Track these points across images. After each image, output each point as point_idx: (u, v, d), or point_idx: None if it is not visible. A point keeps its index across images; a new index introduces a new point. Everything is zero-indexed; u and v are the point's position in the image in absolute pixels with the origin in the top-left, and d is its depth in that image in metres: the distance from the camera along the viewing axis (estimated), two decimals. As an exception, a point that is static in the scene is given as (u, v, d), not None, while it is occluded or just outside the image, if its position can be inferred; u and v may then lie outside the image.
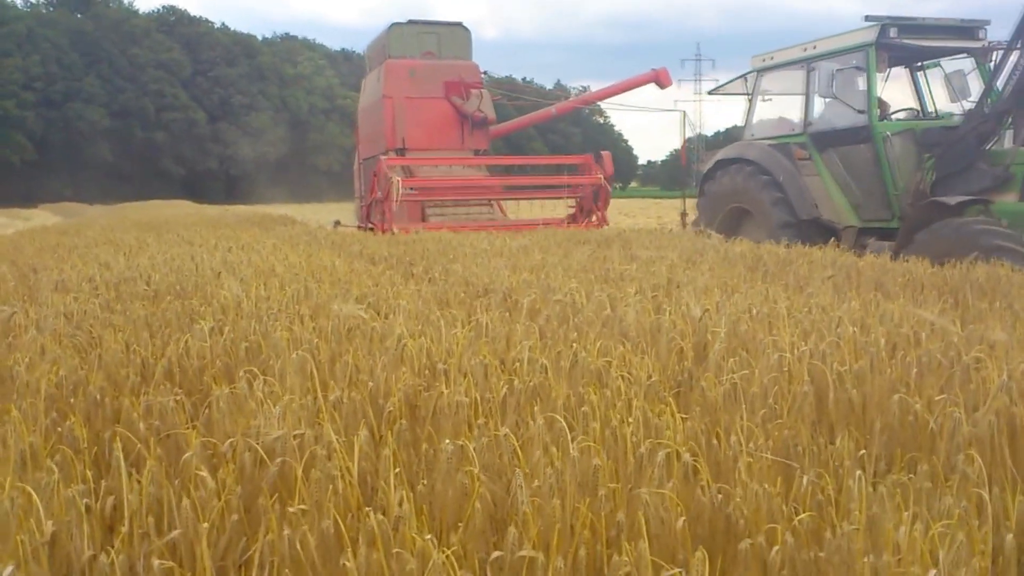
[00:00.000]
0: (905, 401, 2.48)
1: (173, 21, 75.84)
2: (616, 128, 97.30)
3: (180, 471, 2.13)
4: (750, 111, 10.74)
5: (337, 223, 14.64)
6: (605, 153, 13.14)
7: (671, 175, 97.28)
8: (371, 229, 11.88)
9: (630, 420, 2.31)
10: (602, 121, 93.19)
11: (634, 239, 8.42)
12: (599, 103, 17.70)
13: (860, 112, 9.01)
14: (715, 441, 2.28)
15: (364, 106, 16.13)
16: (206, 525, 1.80)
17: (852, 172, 9.30)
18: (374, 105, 15.02)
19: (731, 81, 11.40)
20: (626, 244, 7.83)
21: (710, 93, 12.60)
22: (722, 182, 10.38)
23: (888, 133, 8.91)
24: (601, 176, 12.58)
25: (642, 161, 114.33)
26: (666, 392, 2.73)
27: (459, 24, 15.46)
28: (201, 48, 72.88)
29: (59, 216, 34.23)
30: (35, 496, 1.77)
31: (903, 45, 8.99)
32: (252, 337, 3.43)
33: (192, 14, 79.91)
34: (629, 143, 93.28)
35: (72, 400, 2.80)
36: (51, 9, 71.59)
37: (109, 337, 3.56)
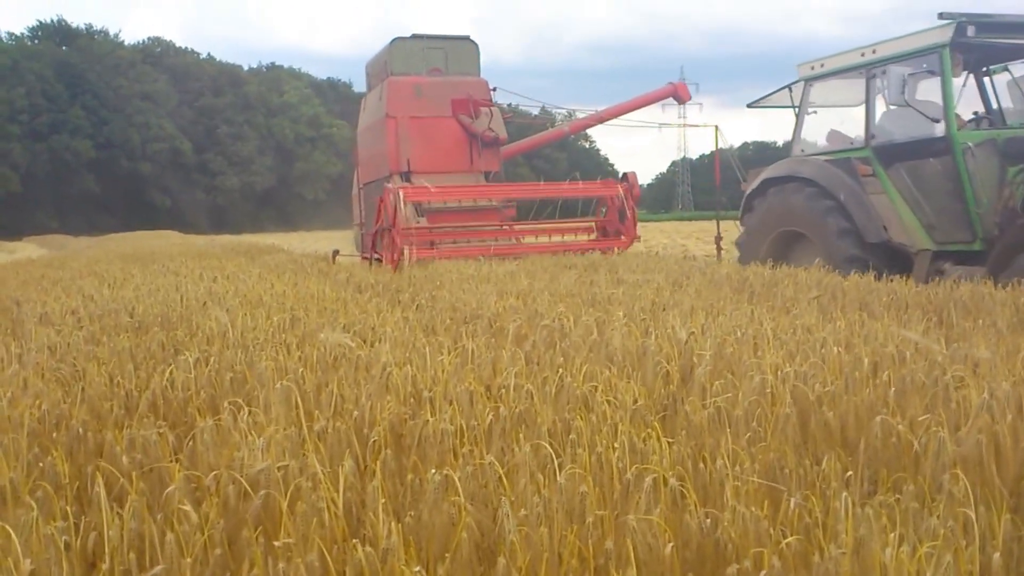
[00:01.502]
0: (887, 422, 2.48)
1: (159, 52, 76.05)
2: (602, 152, 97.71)
3: (163, 505, 2.11)
4: (798, 125, 9.66)
5: (336, 253, 13.40)
6: (630, 174, 12.76)
7: (656, 199, 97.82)
8: (378, 260, 11.22)
9: (616, 445, 2.30)
10: (587, 145, 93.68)
11: (621, 263, 8.44)
12: (608, 120, 16.57)
13: (935, 121, 7.91)
14: (701, 465, 2.27)
15: (364, 127, 14.93)
16: (189, 560, 1.78)
17: (924, 189, 8.24)
18: (375, 125, 13.93)
19: (774, 92, 10.26)
20: (613, 268, 7.86)
21: (749, 106, 10.96)
22: (770, 203, 9.25)
23: (970, 144, 7.79)
24: (621, 191, 12.21)
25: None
26: (652, 416, 2.73)
27: (466, 38, 14.29)
28: (187, 79, 73.05)
29: (44, 248, 34.05)
30: (13, 534, 1.75)
31: (981, 45, 7.92)
32: (237, 367, 3.42)
33: (178, 45, 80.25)
34: (615, 167, 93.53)
35: (55, 434, 2.77)
36: (36, 42, 71.68)
37: (93, 370, 3.54)
